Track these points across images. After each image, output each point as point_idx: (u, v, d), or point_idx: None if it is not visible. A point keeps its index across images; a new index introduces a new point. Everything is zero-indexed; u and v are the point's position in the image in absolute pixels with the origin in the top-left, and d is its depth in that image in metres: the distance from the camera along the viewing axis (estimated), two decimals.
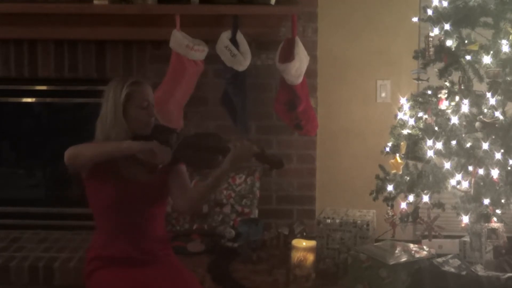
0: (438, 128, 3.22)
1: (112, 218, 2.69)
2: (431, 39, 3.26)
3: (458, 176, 3.10)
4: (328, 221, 3.40)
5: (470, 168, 3.12)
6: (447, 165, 3.13)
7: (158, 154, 2.59)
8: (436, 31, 3.24)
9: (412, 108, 3.42)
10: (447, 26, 3.19)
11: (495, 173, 3.03)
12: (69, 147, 2.62)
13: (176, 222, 3.71)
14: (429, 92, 3.38)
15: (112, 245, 2.67)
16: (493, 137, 3.06)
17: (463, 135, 3.16)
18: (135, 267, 2.65)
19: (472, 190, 3.11)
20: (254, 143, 2.70)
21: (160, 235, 2.78)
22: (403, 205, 3.33)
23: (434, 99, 3.32)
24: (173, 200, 2.81)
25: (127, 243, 2.67)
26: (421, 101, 3.40)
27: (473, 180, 3.11)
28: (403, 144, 3.33)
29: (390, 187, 3.36)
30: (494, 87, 3.10)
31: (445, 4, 3.26)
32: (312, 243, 3.18)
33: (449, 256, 3.15)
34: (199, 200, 2.77)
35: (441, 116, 3.26)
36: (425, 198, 3.21)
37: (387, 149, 3.45)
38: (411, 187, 3.27)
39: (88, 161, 2.60)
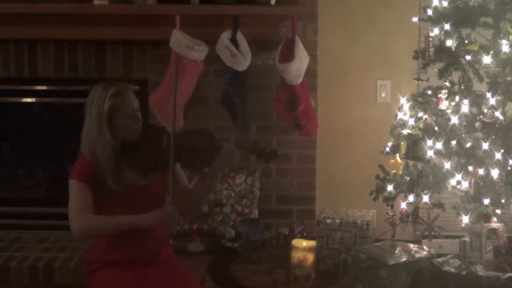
0: (438, 128, 3.22)
1: None
2: (431, 39, 3.27)
3: (458, 176, 3.11)
4: (328, 221, 3.40)
5: (470, 168, 3.12)
6: (447, 165, 3.14)
7: (167, 224, 2.57)
8: (436, 31, 3.24)
9: (412, 108, 3.42)
10: (447, 26, 3.20)
11: (495, 173, 3.03)
12: (77, 216, 2.56)
13: (176, 222, 3.71)
14: (429, 92, 3.38)
15: (115, 250, 2.67)
16: (493, 137, 3.07)
17: (463, 135, 3.16)
18: (136, 268, 2.65)
19: (472, 190, 3.11)
20: (245, 138, 2.68)
21: (160, 235, 2.78)
22: (403, 205, 3.34)
23: (434, 99, 3.32)
24: (176, 204, 2.82)
25: (129, 246, 2.66)
26: (421, 101, 3.40)
27: (473, 180, 3.11)
28: (403, 144, 3.33)
29: (390, 187, 3.36)
30: (494, 87, 3.10)
31: (445, 4, 3.26)
32: (312, 243, 3.18)
33: (449, 256, 3.14)
34: (199, 202, 2.84)
35: (441, 116, 3.26)
36: (425, 198, 3.21)
37: (387, 149, 3.45)
38: (411, 187, 3.27)
39: (101, 235, 2.58)
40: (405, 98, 3.48)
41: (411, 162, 3.37)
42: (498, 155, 3.02)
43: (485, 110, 3.13)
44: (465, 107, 3.14)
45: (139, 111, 2.71)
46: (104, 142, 2.61)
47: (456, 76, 3.23)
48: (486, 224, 3.17)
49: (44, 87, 4.01)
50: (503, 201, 3.08)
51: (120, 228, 2.55)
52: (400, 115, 3.46)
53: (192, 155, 2.67)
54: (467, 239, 3.28)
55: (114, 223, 2.54)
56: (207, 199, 3.59)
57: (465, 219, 3.09)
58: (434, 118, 3.29)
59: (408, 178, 3.32)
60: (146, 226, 2.54)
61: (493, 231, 3.20)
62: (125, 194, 2.64)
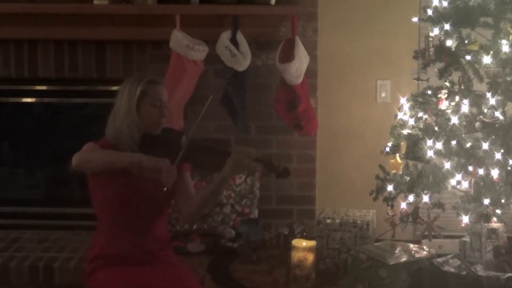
0: (438, 128, 3.22)
1: (115, 216, 2.69)
2: (431, 39, 3.27)
3: (458, 176, 3.11)
4: (328, 221, 3.40)
5: (470, 168, 3.12)
6: (447, 165, 3.14)
7: (164, 175, 2.54)
8: (436, 31, 3.24)
9: (412, 108, 3.42)
10: (447, 26, 3.20)
11: (495, 173, 3.03)
12: (79, 152, 2.59)
13: (176, 222, 3.71)
14: (429, 92, 3.38)
15: (114, 244, 2.67)
16: (493, 137, 3.07)
17: (463, 135, 3.16)
18: (136, 267, 2.65)
19: (472, 190, 3.11)
20: (255, 149, 2.68)
21: (161, 235, 2.78)
22: (403, 205, 3.34)
23: (434, 99, 3.32)
24: (176, 206, 2.82)
25: (128, 242, 2.67)
26: (421, 101, 3.40)
27: (473, 180, 3.11)
28: (403, 144, 3.33)
29: (390, 187, 3.36)
30: (494, 87, 3.11)
31: (445, 4, 3.27)
32: (312, 243, 3.18)
33: (449, 256, 3.15)
34: (201, 207, 2.76)
35: (441, 116, 3.26)
36: (425, 198, 3.21)
37: (387, 149, 3.45)
38: (411, 187, 3.27)
39: (98, 168, 2.58)
40: (405, 98, 3.48)
41: (411, 162, 3.37)
42: (498, 155, 3.02)
43: (485, 110, 3.13)
44: (465, 107, 3.14)
45: (166, 108, 2.74)
46: (132, 122, 2.66)
47: (456, 76, 3.23)
48: (486, 224, 3.17)
49: (44, 87, 4.01)
50: (503, 201, 3.08)
51: (116, 162, 2.54)
52: (400, 115, 3.46)
53: (205, 157, 2.70)
54: (467, 239, 3.28)
55: (112, 155, 2.55)
56: (209, 207, 3.55)
57: (465, 219, 3.09)
58: (434, 118, 3.29)
59: (408, 178, 3.32)
60: (144, 165, 2.50)
61: (493, 231, 3.20)
62: (132, 184, 2.64)
